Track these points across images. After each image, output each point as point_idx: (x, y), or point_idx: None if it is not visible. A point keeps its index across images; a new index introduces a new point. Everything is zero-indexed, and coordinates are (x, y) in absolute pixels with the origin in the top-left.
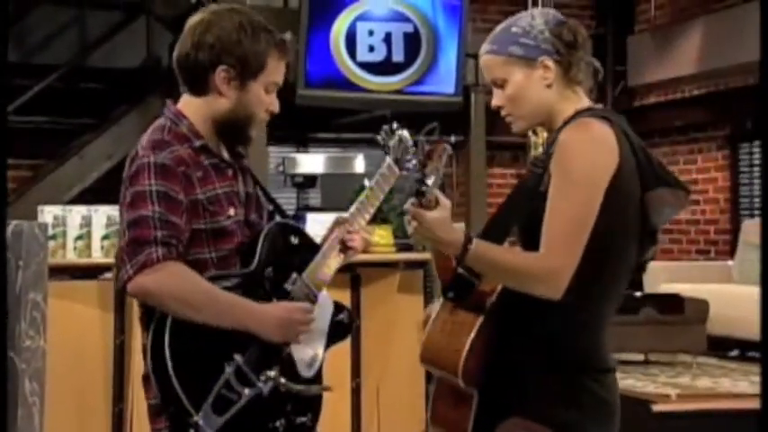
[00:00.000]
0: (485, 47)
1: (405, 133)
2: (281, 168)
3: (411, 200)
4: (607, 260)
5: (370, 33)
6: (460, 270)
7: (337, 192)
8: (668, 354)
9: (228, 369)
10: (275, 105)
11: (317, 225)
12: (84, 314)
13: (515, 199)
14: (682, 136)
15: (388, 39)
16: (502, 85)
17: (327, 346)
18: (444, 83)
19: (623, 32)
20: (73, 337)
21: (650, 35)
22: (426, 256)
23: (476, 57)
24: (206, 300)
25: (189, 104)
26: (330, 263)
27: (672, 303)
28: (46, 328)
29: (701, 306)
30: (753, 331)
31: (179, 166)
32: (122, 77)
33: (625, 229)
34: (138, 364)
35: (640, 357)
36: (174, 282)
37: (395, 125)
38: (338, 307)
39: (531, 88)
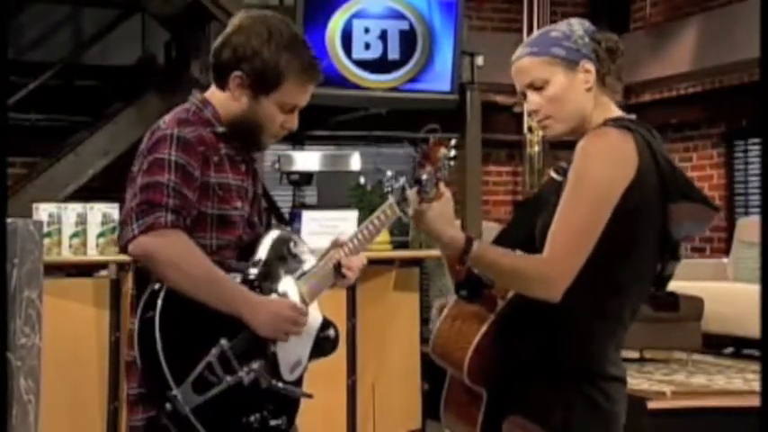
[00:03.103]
0: (520, 51)
1: (406, 183)
2: (276, 166)
3: (413, 190)
4: (620, 271)
5: (366, 31)
6: (476, 270)
7: (333, 189)
8: (663, 351)
9: (213, 352)
10: (292, 124)
11: (313, 223)
12: (80, 312)
13: (534, 204)
14: (677, 134)
15: (383, 36)
16: (541, 86)
17: (311, 358)
18: (440, 81)
19: (618, 30)
20: (68, 335)
21: (645, 33)
22: (422, 253)
23: (471, 54)
24: (205, 275)
25: (214, 95)
26: (323, 281)
27: (667, 301)
28: (41, 325)
29: (696, 303)
30: (748, 328)
31: (199, 145)
32: (118, 75)
33: (640, 240)
34: None
35: (635, 354)
36: (177, 250)
37: (399, 176)
38: (326, 323)
39: (572, 90)
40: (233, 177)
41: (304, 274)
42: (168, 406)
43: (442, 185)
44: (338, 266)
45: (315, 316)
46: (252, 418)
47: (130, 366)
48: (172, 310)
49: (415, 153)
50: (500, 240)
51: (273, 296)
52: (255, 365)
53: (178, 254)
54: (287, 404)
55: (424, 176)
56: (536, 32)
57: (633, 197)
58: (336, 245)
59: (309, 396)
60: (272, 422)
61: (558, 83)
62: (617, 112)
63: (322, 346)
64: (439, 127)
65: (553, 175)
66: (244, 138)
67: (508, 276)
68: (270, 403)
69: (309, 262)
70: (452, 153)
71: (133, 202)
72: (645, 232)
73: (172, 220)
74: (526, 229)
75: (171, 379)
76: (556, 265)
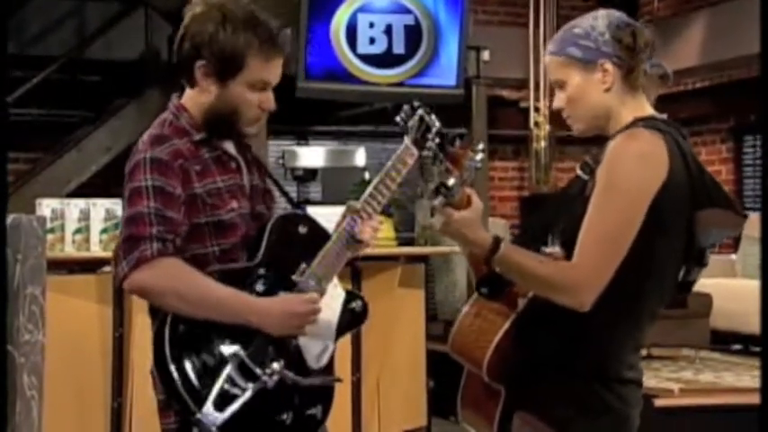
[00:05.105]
0: (548, 47)
1: (426, 112)
2: (281, 161)
3: (439, 198)
4: (645, 278)
5: (371, 25)
6: (498, 270)
7: (338, 185)
8: (671, 348)
9: (231, 364)
10: (268, 103)
11: (317, 218)
12: (83, 308)
13: (558, 202)
14: (685, 128)
15: (388, 31)
16: (561, 86)
17: (339, 335)
18: (445, 75)
19: None
20: (71, 332)
21: (653, 27)
22: (428, 250)
23: (477, 49)
24: (203, 295)
25: (187, 96)
26: (339, 253)
27: (675, 297)
28: (44, 322)
29: (704, 300)
30: (756, 325)
31: (176, 160)
32: (121, 69)
33: (667, 247)
34: (136, 359)
35: (643, 352)
36: (170, 277)
37: (416, 103)
38: (351, 295)
39: (588, 91)
40: (222, 179)
41: (317, 252)
42: (195, 430)
43: (470, 191)
44: (352, 236)
45: (336, 293)
46: (285, 416)
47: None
48: (181, 331)
49: (440, 158)
50: (522, 239)
51: (286, 292)
52: (277, 366)
53: (171, 282)
54: (319, 393)
55: (451, 182)
56: (565, 26)
57: (662, 201)
58: (351, 210)
59: (338, 380)
60: (308, 412)
61: (573, 84)
62: (648, 111)
63: (349, 319)
64: (467, 131)
65: (579, 172)
66: (224, 129)
67: (535, 281)
68: (300, 397)
69: (322, 238)
70: (479, 157)
71: (120, 238)
72: (670, 238)
73: (158, 249)
74: (549, 227)
75: (191, 403)
76: (586, 273)
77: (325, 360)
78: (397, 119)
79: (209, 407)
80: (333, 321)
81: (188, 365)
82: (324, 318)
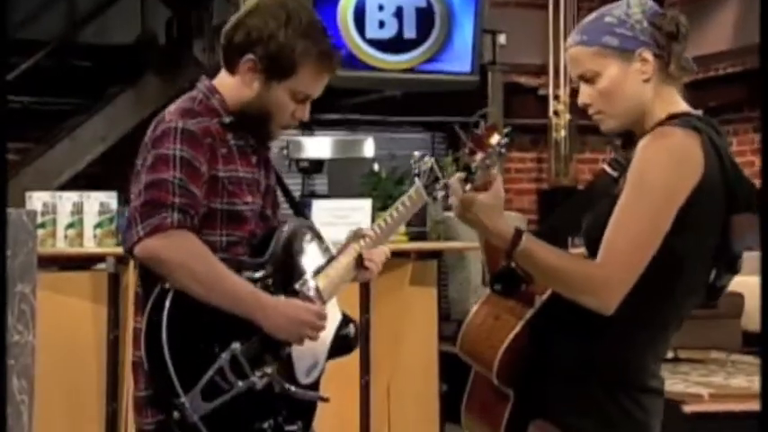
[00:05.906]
0: (573, 37)
1: (437, 164)
2: (285, 153)
3: (458, 174)
4: (673, 282)
5: (380, 8)
6: (513, 264)
7: (345, 177)
8: (700, 350)
9: (224, 356)
10: (303, 114)
11: (324, 213)
12: (76, 307)
13: (585, 197)
14: (715, 117)
15: (399, 14)
16: (592, 79)
17: (329, 357)
18: (459, 61)
19: None
20: (64, 332)
21: (680, 9)
22: (440, 245)
23: (493, 32)
24: (215, 277)
25: (222, 81)
26: (343, 275)
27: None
28: (35, 322)
29: (736, 300)
30: None
31: (205, 137)
32: (116, 54)
33: (698, 251)
34: None
35: (670, 354)
36: (185, 251)
37: (426, 155)
38: (345, 320)
39: (627, 83)
40: (243, 170)
41: (322, 269)
42: (176, 414)
43: (493, 172)
44: (359, 259)
45: (333, 314)
46: (265, 425)
47: (137, 367)
48: (180, 312)
49: (464, 139)
50: (545, 234)
51: (289, 297)
52: (269, 369)
53: (186, 256)
54: (302, 408)
55: (474, 165)
56: (591, 15)
57: (695, 204)
58: (357, 236)
59: (326, 399)
60: (287, 428)
61: (610, 76)
62: (682, 106)
63: (341, 345)
64: (490, 111)
65: (607, 169)
66: (252, 126)
67: (557, 279)
68: (284, 408)
69: (328, 255)
70: (506, 140)
71: (137, 201)
72: (701, 241)
73: (179, 220)
74: (574, 223)
75: (179, 386)
76: (612, 273)
77: (314, 376)
78: (411, 162)
79: (196, 394)
80: (327, 341)
81: (182, 350)
82: (321, 335)
